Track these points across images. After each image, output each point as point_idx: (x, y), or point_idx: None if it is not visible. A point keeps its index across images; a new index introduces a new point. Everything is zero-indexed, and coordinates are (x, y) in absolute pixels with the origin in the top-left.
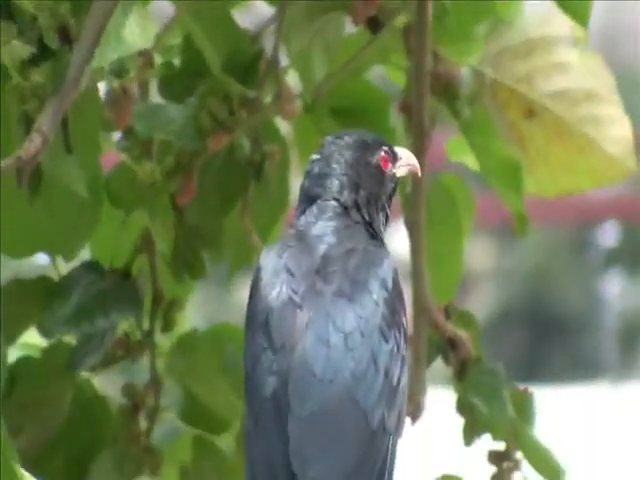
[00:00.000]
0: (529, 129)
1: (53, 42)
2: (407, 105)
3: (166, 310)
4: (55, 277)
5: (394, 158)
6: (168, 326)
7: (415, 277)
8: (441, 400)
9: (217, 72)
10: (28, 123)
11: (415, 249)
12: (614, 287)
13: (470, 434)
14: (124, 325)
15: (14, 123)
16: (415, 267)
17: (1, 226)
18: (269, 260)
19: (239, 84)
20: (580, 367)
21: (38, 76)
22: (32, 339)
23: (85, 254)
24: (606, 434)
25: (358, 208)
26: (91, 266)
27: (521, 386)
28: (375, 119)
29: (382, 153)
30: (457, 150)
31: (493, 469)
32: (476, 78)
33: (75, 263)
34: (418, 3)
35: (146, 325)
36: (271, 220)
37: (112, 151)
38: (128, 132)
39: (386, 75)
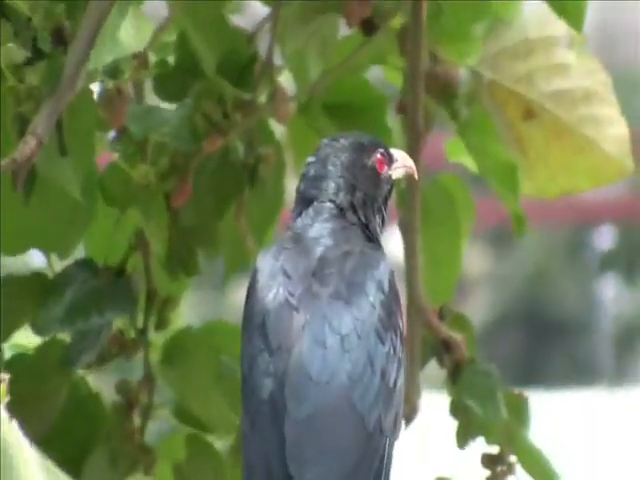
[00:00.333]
0: (528, 130)
1: (48, 44)
2: (404, 106)
3: (160, 308)
4: (49, 275)
5: (390, 160)
6: (162, 324)
7: (409, 278)
8: (435, 404)
9: (211, 74)
10: (23, 125)
11: (409, 250)
12: (611, 290)
13: (464, 436)
14: (118, 322)
15: (10, 125)
16: (409, 268)
17: None
18: (266, 262)
19: (233, 86)
20: (577, 370)
21: (33, 78)
22: (26, 337)
23: (79, 252)
24: (603, 437)
25: (354, 210)
26: (85, 264)
27: (517, 390)
28: (372, 119)
29: (378, 155)
30: (456, 151)
31: (487, 472)
32: (474, 79)
33: (69, 261)
34: (412, 3)
35: (140, 323)
36: (266, 222)
37: (106, 151)
38: (122, 133)
39: (383, 75)
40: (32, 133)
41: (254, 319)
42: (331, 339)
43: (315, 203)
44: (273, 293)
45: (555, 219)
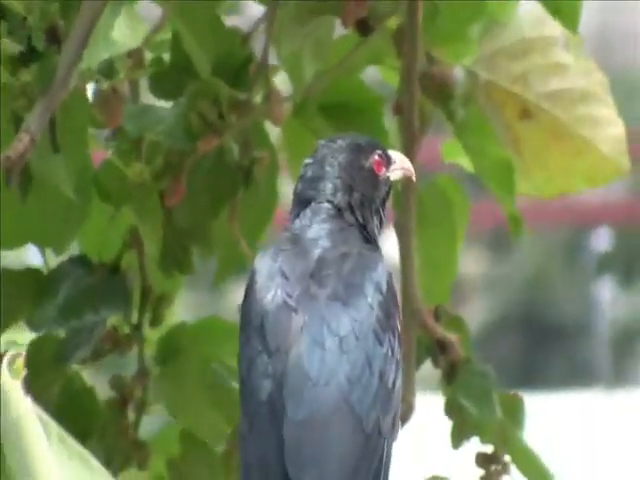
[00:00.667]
0: (524, 130)
1: (42, 42)
2: (400, 106)
3: (155, 304)
4: (44, 271)
5: (388, 161)
6: (157, 320)
7: (405, 279)
8: (429, 404)
9: (206, 75)
10: (17, 122)
11: (405, 251)
12: (608, 292)
13: (459, 436)
14: (113, 319)
15: (4, 122)
16: (405, 269)
17: None
18: (264, 264)
19: (229, 86)
20: (574, 372)
21: (27, 76)
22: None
23: (74, 249)
24: (600, 440)
25: (352, 211)
26: (80, 260)
27: (513, 392)
28: (368, 120)
29: (376, 156)
30: (452, 152)
31: (481, 472)
32: (471, 79)
33: (63, 257)
34: (408, 4)
35: (135, 319)
36: (259, 223)
37: (101, 149)
38: (117, 131)
39: (380, 76)
40: (26, 130)
41: (252, 320)
42: (329, 340)
43: (313, 204)
44: (271, 294)
45: (553, 221)
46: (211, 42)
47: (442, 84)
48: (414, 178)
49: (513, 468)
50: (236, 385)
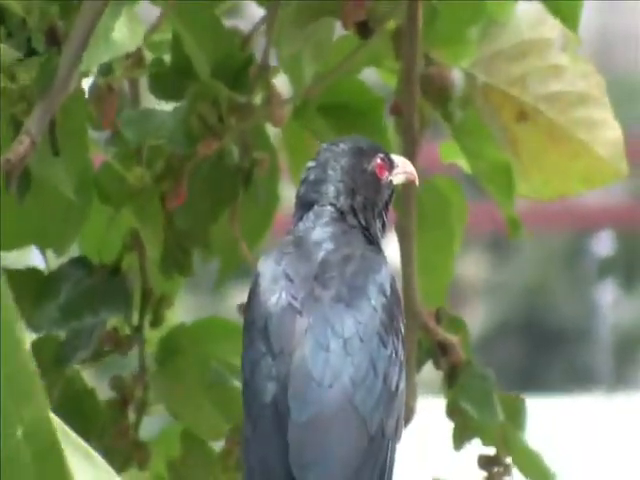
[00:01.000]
0: (522, 132)
1: (42, 44)
2: (398, 107)
3: (155, 306)
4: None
5: (391, 165)
6: (157, 321)
7: (405, 281)
8: (430, 407)
9: (205, 77)
10: (17, 125)
11: (406, 254)
12: (609, 296)
13: (460, 439)
14: (113, 320)
15: (4, 126)
16: (405, 271)
17: None
18: (267, 266)
19: (229, 89)
20: (575, 376)
21: (26, 79)
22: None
23: (75, 250)
24: (601, 443)
25: (354, 213)
26: (80, 262)
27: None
28: (368, 121)
29: (378, 160)
30: (450, 153)
31: (483, 474)
32: (468, 81)
33: (64, 259)
34: (408, 5)
35: (135, 320)
36: (259, 226)
37: (100, 153)
38: (116, 136)
39: (377, 77)
40: (26, 133)
41: (256, 323)
42: (334, 342)
43: (315, 207)
44: (276, 297)
45: (554, 225)
46: (211, 44)
47: (441, 86)
48: (417, 182)
49: (515, 470)
50: (236, 384)
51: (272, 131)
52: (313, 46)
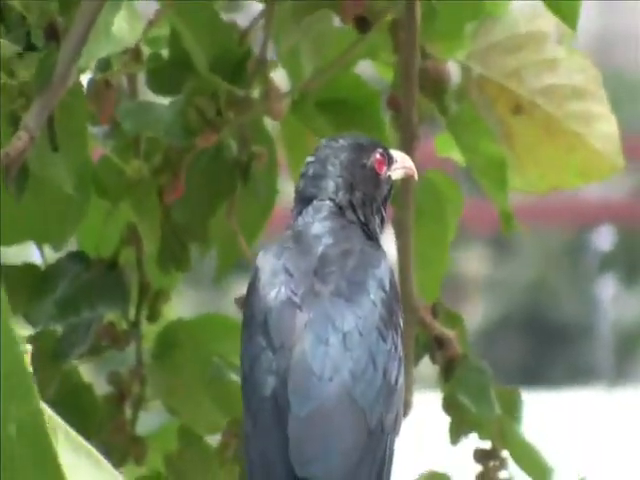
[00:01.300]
0: (517, 125)
1: (41, 40)
2: (395, 100)
3: (152, 300)
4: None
5: (390, 161)
6: (154, 316)
7: (402, 276)
8: (426, 401)
9: (204, 71)
10: (16, 121)
11: (403, 248)
12: (610, 291)
13: (457, 433)
14: (110, 315)
15: (3, 122)
16: (402, 266)
17: None
18: (267, 261)
19: (227, 83)
20: (576, 372)
21: (26, 75)
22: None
23: (72, 245)
24: (602, 438)
25: (353, 209)
26: (77, 256)
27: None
28: (366, 115)
29: (377, 155)
30: (445, 146)
31: (479, 468)
32: (464, 73)
33: (61, 253)
34: (406, 4)
35: (132, 315)
36: (257, 220)
37: (99, 146)
38: (114, 128)
39: (372, 71)
40: (24, 128)
41: (256, 317)
42: (333, 337)
43: (315, 202)
44: (275, 291)
45: (555, 221)
46: (209, 38)
47: (437, 79)
48: (416, 177)
49: (511, 463)
50: (234, 379)
51: (270, 125)
52: (311, 40)
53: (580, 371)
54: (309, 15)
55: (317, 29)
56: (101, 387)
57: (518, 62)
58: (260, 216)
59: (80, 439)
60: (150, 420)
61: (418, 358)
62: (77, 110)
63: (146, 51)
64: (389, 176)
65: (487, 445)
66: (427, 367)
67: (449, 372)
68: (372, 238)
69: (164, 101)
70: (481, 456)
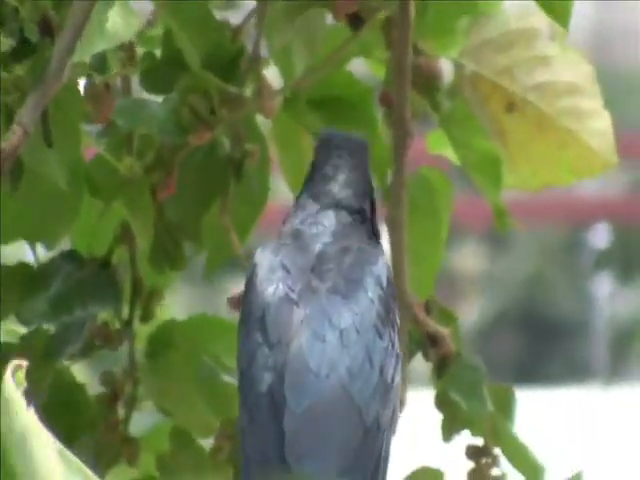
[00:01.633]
0: (510, 122)
1: (34, 35)
2: (387, 97)
3: (146, 300)
4: (35, 266)
5: None
6: (148, 316)
7: (396, 273)
8: (420, 398)
9: (196, 69)
10: (10, 116)
11: (396, 245)
12: (606, 288)
13: (449, 430)
14: (103, 314)
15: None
16: (396, 263)
17: None
18: (265, 257)
19: (220, 80)
20: (572, 368)
21: (20, 70)
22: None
23: (65, 244)
24: (597, 435)
25: (354, 207)
26: (70, 255)
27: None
28: (359, 112)
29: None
30: (437, 143)
31: (471, 464)
32: (456, 70)
33: (53, 252)
34: (400, 1)
35: (125, 314)
36: (250, 218)
37: (92, 144)
38: (108, 126)
39: (364, 68)
40: (19, 123)
41: (253, 313)
42: (330, 334)
43: (315, 200)
44: (273, 287)
45: (550, 218)
46: (201, 36)
47: (430, 76)
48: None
49: (503, 460)
50: (228, 380)
51: (262, 122)
52: (304, 38)
53: (576, 368)
54: (302, 13)
55: (310, 27)
56: (93, 387)
57: (510, 59)
58: (252, 213)
59: (74, 457)
60: (143, 420)
61: (411, 355)
62: (71, 107)
63: (139, 51)
64: None
65: (479, 442)
66: (420, 364)
67: (442, 369)
68: (371, 236)
69: (158, 99)
70: (473, 453)
